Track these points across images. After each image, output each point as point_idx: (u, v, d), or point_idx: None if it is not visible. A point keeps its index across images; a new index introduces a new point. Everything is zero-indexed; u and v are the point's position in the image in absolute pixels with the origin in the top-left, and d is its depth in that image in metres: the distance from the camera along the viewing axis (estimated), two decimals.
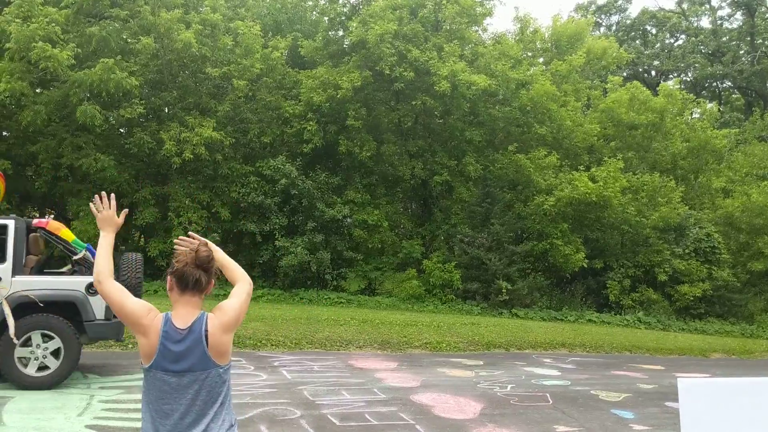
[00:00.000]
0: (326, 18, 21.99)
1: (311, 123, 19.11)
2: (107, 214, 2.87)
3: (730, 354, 15.37)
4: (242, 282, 2.89)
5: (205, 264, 2.70)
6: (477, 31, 22.46)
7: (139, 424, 6.36)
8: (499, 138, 21.73)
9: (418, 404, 8.08)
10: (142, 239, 19.62)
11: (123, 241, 19.41)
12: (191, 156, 17.15)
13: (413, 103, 19.50)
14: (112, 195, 2.92)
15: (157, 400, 2.67)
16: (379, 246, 19.75)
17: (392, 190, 21.92)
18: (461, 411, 7.89)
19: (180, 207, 17.98)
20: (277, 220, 18.56)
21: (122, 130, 18.94)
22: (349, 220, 19.23)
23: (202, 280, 2.69)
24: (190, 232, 2.99)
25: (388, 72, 18.61)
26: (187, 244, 2.80)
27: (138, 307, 2.68)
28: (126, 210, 3.07)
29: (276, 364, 9.57)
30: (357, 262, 19.28)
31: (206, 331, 2.66)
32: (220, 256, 2.89)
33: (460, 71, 18.55)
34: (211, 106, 18.79)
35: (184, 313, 2.70)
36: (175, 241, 2.88)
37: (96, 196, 2.93)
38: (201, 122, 17.83)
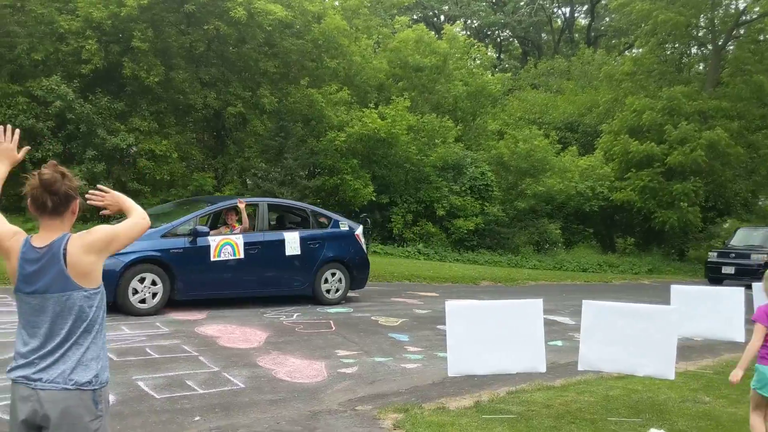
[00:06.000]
0: None
1: (91, 41, 17.49)
2: (6, 146, 2.89)
3: (497, 282, 17.08)
4: (134, 215, 2.86)
5: (50, 187, 2.62)
6: None
7: None
8: (293, 72, 21.59)
9: (203, 336, 8.09)
10: None
11: None
12: None
13: (206, 27, 18.60)
14: (17, 130, 2.94)
15: (25, 323, 2.64)
16: (168, 178, 18.92)
17: (183, 120, 20.96)
18: (247, 340, 8.04)
19: None
20: (51, 147, 16.96)
21: None
22: (134, 149, 18.14)
23: (48, 204, 2.62)
24: (99, 186, 2.98)
25: None
26: (98, 198, 2.89)
27: (5, 231, 2.68)
28: (28, 147, 2.97)
29: None
30: (143, 194, 18.35)
31: (65, 249, 2.59)
32: (126, 203, 2.94)
33: None
34: None
35: (44, 235, 2.65)
36: (86, 195, 2.87)
37: (0, 127, 2.86)
38: None
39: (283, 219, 11.83)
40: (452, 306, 5.93)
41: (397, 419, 5.47)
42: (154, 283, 9.16)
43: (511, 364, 5.92)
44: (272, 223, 11.60)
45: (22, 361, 2.62)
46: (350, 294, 12.43)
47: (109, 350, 6.98)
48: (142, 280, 9.07)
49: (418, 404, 5.94)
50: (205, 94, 19.42)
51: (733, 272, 19.67)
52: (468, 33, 41.08)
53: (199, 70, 19.77)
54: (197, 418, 5.25)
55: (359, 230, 11.63)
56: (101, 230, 2.72)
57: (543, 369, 6.00)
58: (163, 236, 9.49)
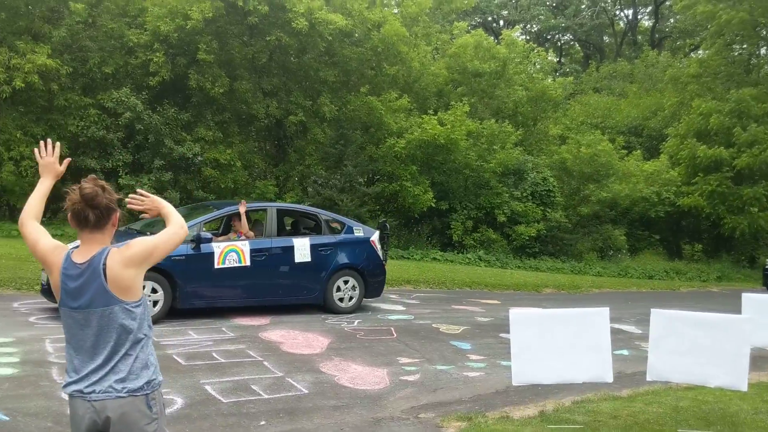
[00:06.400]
0: None
1: (158, 54, 18.09)
2: (48, 160, 2.90)
3: (560, 289, 16.79)
4: (172, 225, 2.86)
5: (91, 201, 2.64)
6: None
7: (10, 371, 6.02)
8: (352, 80, 21.79)
9: (267, 341, 8.21)
10: None
11: None
12: (22, 85, 15.78)
13: (268, 39, 18.98)
14: (57, 143, 2.92)
15: (71, 337, 2.69)
16: (232, 186, 19.35)
17: (246, 129, 21.44)
18: (309, 346, 8.12)
19: (11, 140, 16.57)
20: (121, 157, 17.62)
21: None
22: (199, 158, 18.65)
23: (90, 218, 2.65)
24: (138, 190, 3.01)
25: (241, 4, 17.94)
26: (137, 202, 2.91)
27: (47, 246, 2.73)
28: (69, 159, 3.01)
29: None
30: None
31: (104, 264, 2.63)
32: (166, 209, 2.93)
33: (317, 9, 18.28)
34: (45, 32, 17.24)
35: (85, 249, 2.69)
36: (127, 199, 2.93)
37: (41, 142, 2.92)
38: (33, 48, 16.36)
39: (297, 224, 11.44)
40: (517, 314, 5.85)
41: (460, 428, 5.43)
42: (154, 291, 8.72)
43: (576, 374, 5.80)
44: (288, 228, 11.39)
45: (75, 376, 2.67)
46: (411, 301, 12.44)
47: (177, 354, 7.19)
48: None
49: (482, 413, 5.88)
50: (267, 104, 19.81)
51: None
52: (528, 37, 40.60)
53: (262, 80, 20.18)
54: (263, 423, 5.33)
55: (375, 236, 11.02)
56: (140, 243, 2.73)
57: (610, 379, 5.85)
58: None
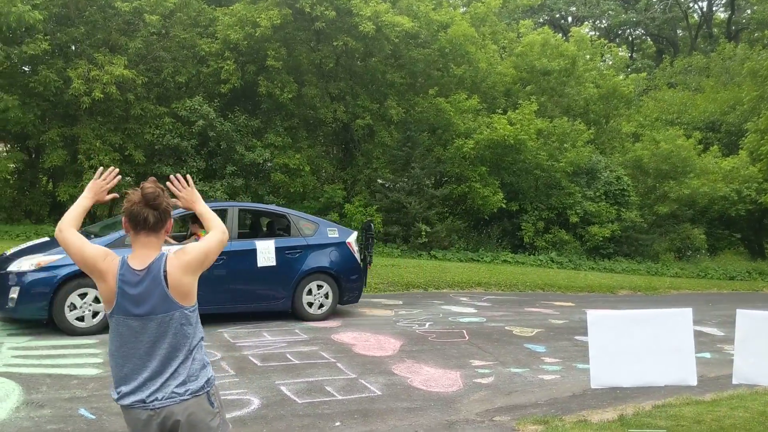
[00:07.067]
0: None
1: (229, 62, 18.53)
2: (99, 183, 2.92)
3: (636, 291, 16.31)
4: (215, 230, 2.87)
5: (152, 201, 2.66)
6: None
7: (51, 371, 6.27)
8: (419, 82, 21.74)
9: (339, 343, 8.25)
10: (51, 184, 18.79)
11: (30, 186, 18.57)
12: (101, 95, 16.40)
13: (335, 43, 19.16)
14: (118, 176, 2.96)
15: (121, 345, 2.66)
16: (301, 190, 19.62)
17: (314, 134, 21.71)
18: (381, 348, 8.12)
19: (90, 149, 17.26)
20: (195, 163, 18.11)
21: (26, 68, 17.82)
22: (269, 164, 18.97)
23: (150, 219, 2.66)
24: (187, 175, 3.00)
25: (308, 10, 18.17)
26: (179, 186, 2.91)
27: (96, 253, 2.67)
28: (115, 195, 3.03)
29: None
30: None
31: (165, 271, 2.64)
32: (200, 206, 2.94)
33: (383, 12, 18.33)
34: (121, 43, 17.89)
35: (141, 254, 2.68)
36: (171, 176, 2.96)
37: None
38: (111, 60, 16.99)
39: (272, 226, 10.55)
40: (595, 315, 5.68)
41: (537, 431, 5.31)
42: (97, 300, 7.90)
43: (658, 377, 5.58)
44: (264, 230, 10.75)
45: (129, 387, 2.64)
46: (482, 304, 12.29)
47: (253, 355, 7.31)
48: (83, 296, 7.87)
49: (558, 416, 5.74)
50: (334, 108, 20.00)
51: None
52: (597, 33, 39.70)
53: (329, 85, 20.39)
54: (338, 424, 5.35)
55: (351, 237, 10.20)
56: (196, 249, 2.74)
57: (694, 382, 5.61)
58: (109, 246, 8.15)
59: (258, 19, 17.97)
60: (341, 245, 10.08)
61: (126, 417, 2.72)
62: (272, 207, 11.33)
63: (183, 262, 2.68)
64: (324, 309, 9.75)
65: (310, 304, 9.68)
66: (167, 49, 18.82)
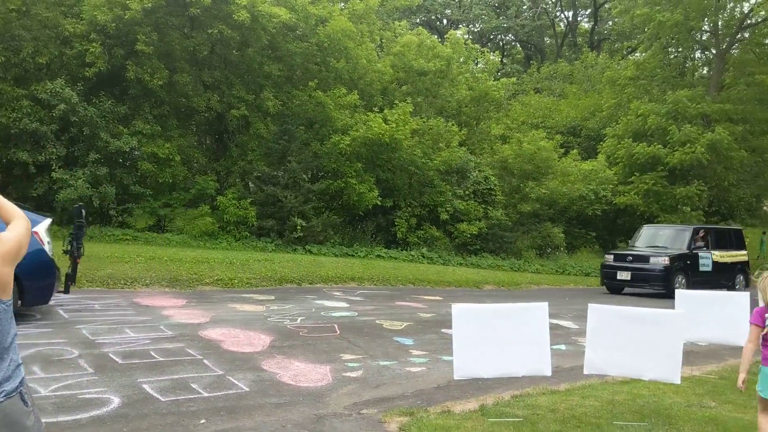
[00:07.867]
0: None
1: (95, 45, 17.54)
2: None
3: (500, 285, 17.06)
4: (18, 219, 2.67)
5: None
6: None
7: None
8: (297, 75, 21.60)
9: (207, 339, 8.05)
10: None
11: None
12: None
13: (210, 31, 18.63)
14: None
15: None
16: (170, 181, 18.91)
17: (186, 123, 21.01)
18: (250, 344, 8.00)
19: None
20: (54, 150, 17.00)
21: None
22: (137, 152, 18.15)
23: None
24: None
25: None
26: None
27: None
28: None
29: (51, 302, 8.92)
30: (145, 198, 18.37)
31: None
32: None
33: (260, 2, 18.03)
34: None
35: None
36: None
37: None
38: None
39: None
40: (459, 309, 5.91)
41: (402, 422, 5.44)
42: None
43: (517, 367, 5.89)
44: None
45: None
46: (355, 298, 12.40)
47: (114, 353, 6.99)
48: None
49: (424, 408, 5.90)
50: (208, 97, 19.45)
51: (629, 278, 16.81)
52: (471, 37, 41.09)
53: (203, 73, 19.80)
54: (203, 421, 5.22)
55: (40, 226, 8.23)
56: (10, 239, 2.57)
57: (549, 372, 5.97)
58: None
59: (128, 1, 17.15)
60: None
61: None
62: None
63: (2, 252, 2.50)
64: None
65: None
66: (27, 28, 17.53)
